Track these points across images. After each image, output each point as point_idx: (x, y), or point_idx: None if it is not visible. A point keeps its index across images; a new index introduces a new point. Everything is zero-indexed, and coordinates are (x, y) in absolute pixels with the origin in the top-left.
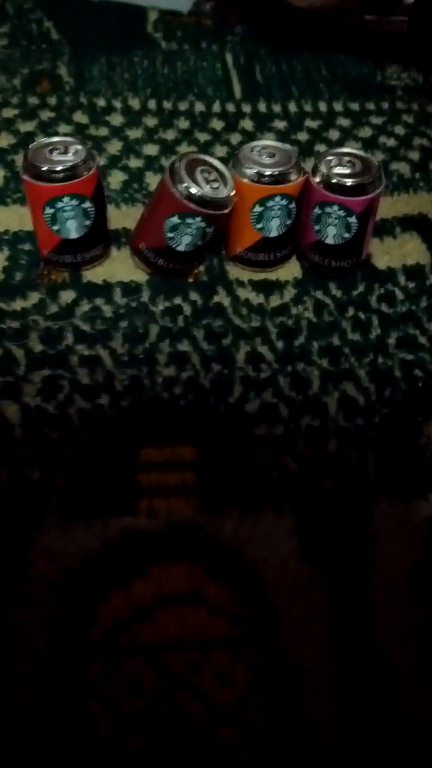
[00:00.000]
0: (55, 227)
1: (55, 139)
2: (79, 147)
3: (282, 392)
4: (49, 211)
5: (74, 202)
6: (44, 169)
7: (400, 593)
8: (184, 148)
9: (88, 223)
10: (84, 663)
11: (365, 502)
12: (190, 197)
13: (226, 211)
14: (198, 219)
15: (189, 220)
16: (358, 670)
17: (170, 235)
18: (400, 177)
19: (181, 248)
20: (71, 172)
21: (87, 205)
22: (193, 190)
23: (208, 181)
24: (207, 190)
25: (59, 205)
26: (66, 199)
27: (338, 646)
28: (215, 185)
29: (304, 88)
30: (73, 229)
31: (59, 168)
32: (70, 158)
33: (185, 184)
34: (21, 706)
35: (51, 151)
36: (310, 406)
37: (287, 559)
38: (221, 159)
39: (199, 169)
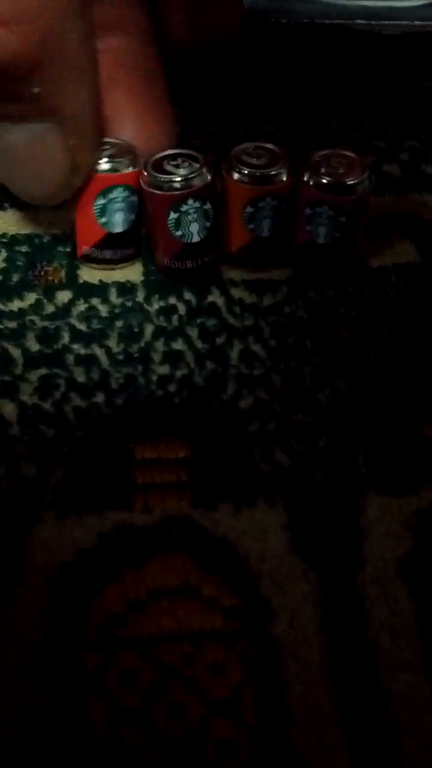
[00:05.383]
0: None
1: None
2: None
3: (275, 389)
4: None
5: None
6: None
7: (391, 585)
8: None
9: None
10: (79, 656)
11: (356, 496)
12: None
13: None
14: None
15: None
16: (350, 660)
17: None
18: (391, 177)
19: (195, 239)
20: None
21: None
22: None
23: (179, 167)
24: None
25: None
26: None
27: (330, 637)
28: (186, 165)
29: (297, 91)
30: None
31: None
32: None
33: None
34: (16, 699)
35: None
36: (302, 403)
37: (280, 552)
38: (214, 161)
39: (165, 162)
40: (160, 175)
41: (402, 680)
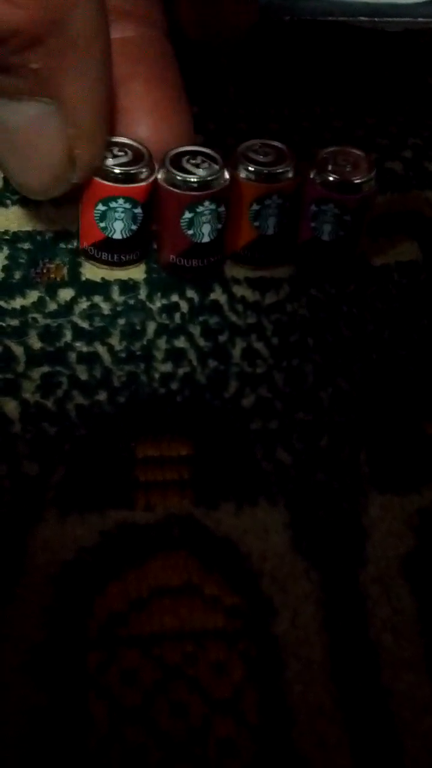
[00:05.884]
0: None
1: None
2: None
3: (277, 387)
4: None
5: (213, 206)
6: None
7: (393, 583)
8: None
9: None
10: (81, 655)
11: (358, 495)
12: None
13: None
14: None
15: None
16: (351, 659)
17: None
18: (394, 175)
19: (205, 240)
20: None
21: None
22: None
23: (198, 166)
24: (202, 173)
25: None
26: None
27: (332, 636)
28: (206, 166)
29: (300, 89)
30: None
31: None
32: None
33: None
34: (17, 698)
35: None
36: (304, 401)
37: (282, 551)
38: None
39: (184, 159)
40: (178, 173)
41: (404, 679)
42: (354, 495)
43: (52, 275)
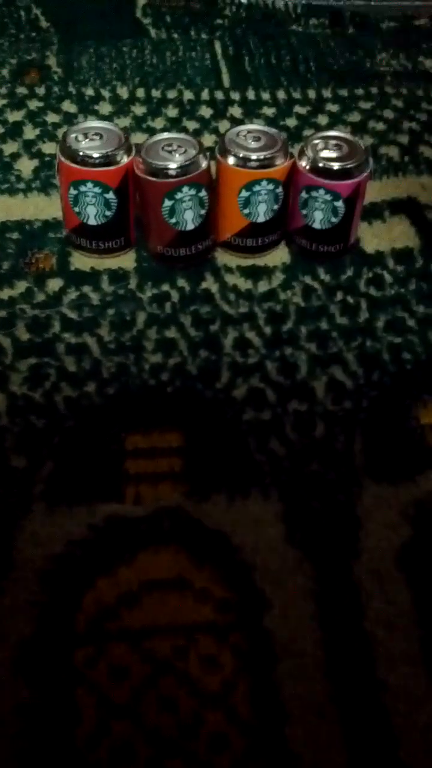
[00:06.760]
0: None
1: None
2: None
3: (269, 377)
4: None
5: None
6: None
7: (387, 575)
8: None
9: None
10: (70, 650)
11: (352, 486)
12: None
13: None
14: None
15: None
16: (345, 652)
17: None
18: (390, 160)
19: (190, 227)
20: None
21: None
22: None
23: (174, 153)
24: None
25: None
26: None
27: (325, 629)
28: (182, 152)
29: (292, 77)
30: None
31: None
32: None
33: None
34: (5, 694)
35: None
36: (297, 391)
37: (274, 543)
38: (209, 147)
39: (161, 147)
40: (155, 162)
41: (399, 672)
42: (348, 486)
43: (41, 265)
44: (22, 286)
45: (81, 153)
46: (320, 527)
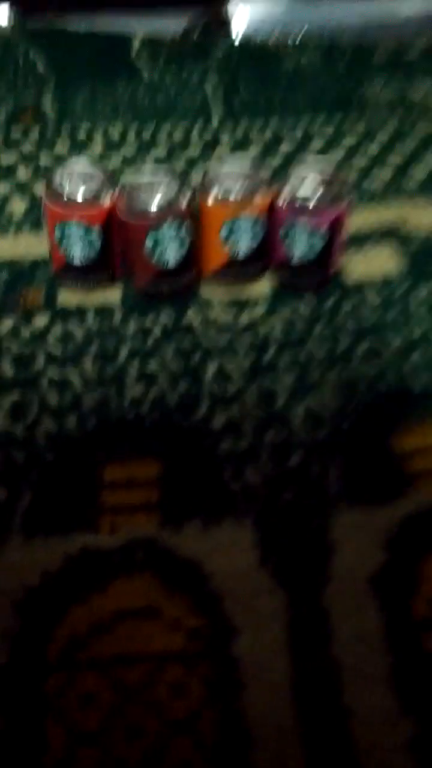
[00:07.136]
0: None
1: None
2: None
3: (247, 408)
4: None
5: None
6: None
7: (358, 600)
8: None
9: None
10: (41, 679)
11: (326, 513)
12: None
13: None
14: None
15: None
16: (314, 678)
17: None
18: (371, 192)
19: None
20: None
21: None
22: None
23: (155, 193)
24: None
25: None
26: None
27: (295, 654)
28: (163, 192)
29: (283, 113)
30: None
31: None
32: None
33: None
34: None
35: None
36: (274, 421)
37: (246, 570)
38: (192, 183)
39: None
40: (135, 204)
41: (366, 698)
42: (322, 512)
43: (29, 303)
44: (8, 324)
45: (65, 195)
46: (293, 553)
